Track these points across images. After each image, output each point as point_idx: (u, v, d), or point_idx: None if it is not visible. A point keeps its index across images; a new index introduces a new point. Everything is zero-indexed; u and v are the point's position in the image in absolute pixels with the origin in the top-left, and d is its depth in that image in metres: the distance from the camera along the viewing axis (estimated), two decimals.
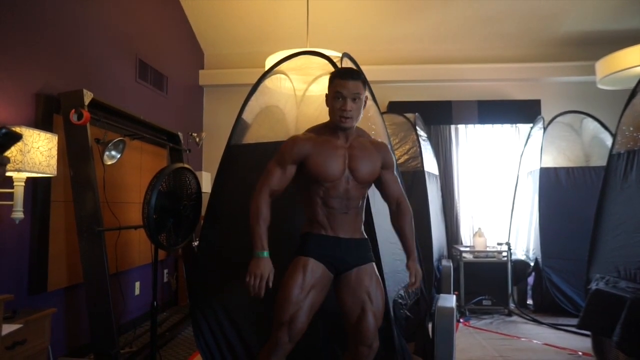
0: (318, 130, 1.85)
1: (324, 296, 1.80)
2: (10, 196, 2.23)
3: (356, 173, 1.78)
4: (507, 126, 5.44)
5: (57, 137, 2.35)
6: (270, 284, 1.68)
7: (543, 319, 3.91)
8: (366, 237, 1.91)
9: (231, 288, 2.39)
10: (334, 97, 1.74)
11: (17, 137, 0.89)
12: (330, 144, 1.78)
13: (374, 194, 2.09)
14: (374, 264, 1.87)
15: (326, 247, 1.79)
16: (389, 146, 2.77)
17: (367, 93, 1.82)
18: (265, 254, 1.69)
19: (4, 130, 0.86)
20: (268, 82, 2.64)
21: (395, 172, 1.95)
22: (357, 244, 1.84)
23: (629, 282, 2.60)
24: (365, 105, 1.81)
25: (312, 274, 1.75)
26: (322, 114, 1.82)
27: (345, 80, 1.73)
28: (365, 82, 1.80)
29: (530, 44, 5.22)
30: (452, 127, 5.45)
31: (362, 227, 1.90)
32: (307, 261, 1.76)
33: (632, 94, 2.94)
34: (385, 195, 1.94)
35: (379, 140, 2.00)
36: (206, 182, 4.65)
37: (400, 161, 4.12)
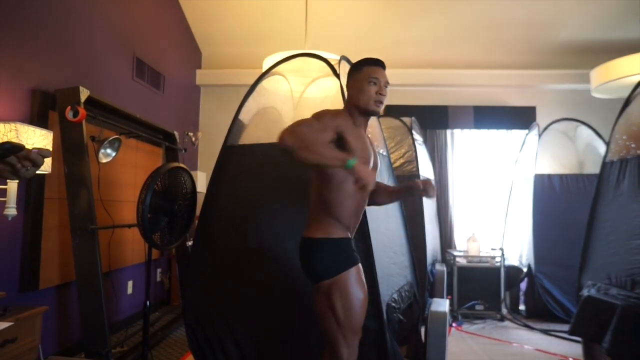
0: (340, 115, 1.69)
1: None
2: (3, 192, 2.21)
3: (375, 166, 1.74)
4: (502, 132, 5.48)
5: (52, 134, 2.33)
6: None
7: (535, 325, 3.94)
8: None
9: (224, 289, 2.39)
10: (368, 82, 1.68)
11: (19, 149, 0.90)
12: (359, 131, 1.71)
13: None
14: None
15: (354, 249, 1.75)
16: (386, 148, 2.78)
17: None
18: (354, 160, 1.47)
19: (7, 145, 0.88)
20: (265, 83, 2.64)
21: None
22: (355, 243, 1.81)
23: (620, 290, 2.62)
24: None
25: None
26: None
27: (380, 67, 1.72)
28: None
29: (526, 51, 5.26)
30: (448, 131, 5.49)
31: None
32: (359, 269, 1.71)
33: (626, 103, 2.96)
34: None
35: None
36: (201, 182, 4.64)
37: (395, 165, 4.14)
